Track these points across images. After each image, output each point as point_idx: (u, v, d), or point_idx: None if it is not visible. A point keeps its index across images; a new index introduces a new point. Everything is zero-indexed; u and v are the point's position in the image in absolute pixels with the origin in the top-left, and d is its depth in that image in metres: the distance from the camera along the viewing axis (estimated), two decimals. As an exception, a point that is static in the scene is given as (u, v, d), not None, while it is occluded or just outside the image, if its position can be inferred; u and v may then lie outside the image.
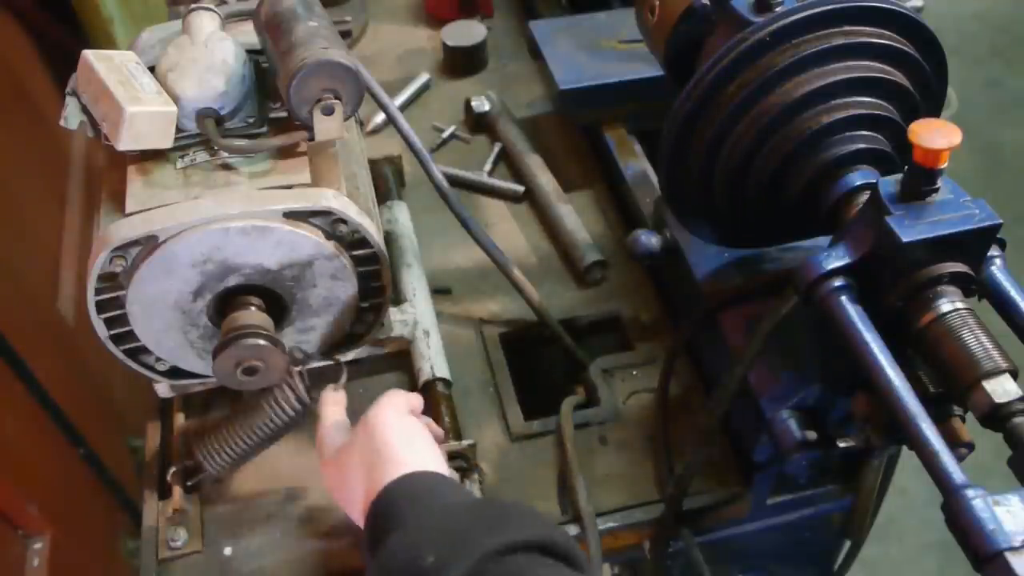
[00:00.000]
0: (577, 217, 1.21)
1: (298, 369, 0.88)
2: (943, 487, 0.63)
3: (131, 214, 0.80)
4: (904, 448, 0.75)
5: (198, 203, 0.80)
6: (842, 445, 0.82)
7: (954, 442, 0.75)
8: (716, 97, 0.81)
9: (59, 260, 1.63)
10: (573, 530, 0.91)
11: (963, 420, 0.76)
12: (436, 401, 0.99)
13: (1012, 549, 0.58)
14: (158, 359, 0.89)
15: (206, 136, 0.83)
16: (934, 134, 0.67)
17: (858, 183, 0.80)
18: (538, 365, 1.13)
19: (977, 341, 0.68)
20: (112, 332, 0.84)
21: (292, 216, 0.81)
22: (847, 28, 0.79)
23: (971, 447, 0.75)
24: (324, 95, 0.81)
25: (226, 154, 0.84)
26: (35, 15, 1.74)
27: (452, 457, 0.93)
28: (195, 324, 0.85)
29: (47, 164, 1.72)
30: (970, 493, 0.61)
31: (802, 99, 0.79)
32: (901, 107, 0.82)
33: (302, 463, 0.97)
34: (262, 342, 0.81)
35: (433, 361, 1.02)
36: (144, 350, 0.87)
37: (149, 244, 0.79)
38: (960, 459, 0.67)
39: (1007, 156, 2.97)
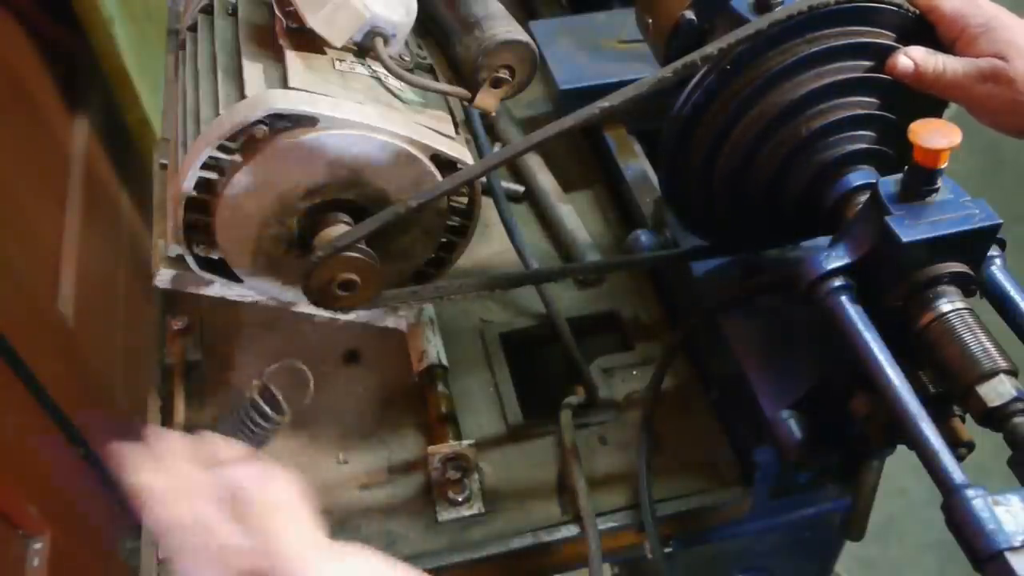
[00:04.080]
0: (577, 217, 1.21)
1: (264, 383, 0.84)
2: (943, 487, 0.63)
3: (293, 88, 0.80)
4: (904, 448, 0.75)
5: (363, 107, 0.81)
6: (842, 445, 0.82)
7: (954, 442, 0.75)
8: (716, 98, 0.81)
9: (59, 260, 1.63)
10: (573, 530, 0.92)
11: (963, 420, 0.76)
12: (435, 388, 1.00)
13: (1012, 549, 0.58)
14: (203, 242, 0.86)
15: (372, 54, 0.87)
16: (934, 134, 0.68)
17: (858, 183, 0.80)
18: (538, 365, 1.13)
19: (977, 341, 0.68)
20: (193, 194, 0.82)
21: (436, 160, 0.84)
22: (847, 28, 0.79)
23: (971, 447, 0.75)
24: (501, 71, 0.86)
25: (383, 75, 0.87)
26: (35, 15, 1.74)
27: (452, 458, 0.93)
28: (282, 223, 0.84)
29: (47, 164, 1.72)
30: (970, 493, 0.61)
31: (802, 99, 0.79)
32: (901, 107, 0.82)
33: (301, 463, 0.97)
34: (371, 261, 0.81)
35: (438, 347, 1.03)
36: (201, 225, 0.84)
37: (302, 124, 0.79)
38: (960, 459, 0.67)
39: (1007, 156, 2.97)
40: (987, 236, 0.71)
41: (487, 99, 0.89)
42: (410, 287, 0.93)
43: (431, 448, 0.94)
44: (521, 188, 1.27)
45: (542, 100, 1.41)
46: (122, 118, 2.01)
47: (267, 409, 0.82)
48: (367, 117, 0.81)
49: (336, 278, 0.81)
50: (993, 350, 0.67)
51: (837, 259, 0.73)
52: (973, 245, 0.71)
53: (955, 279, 0.70)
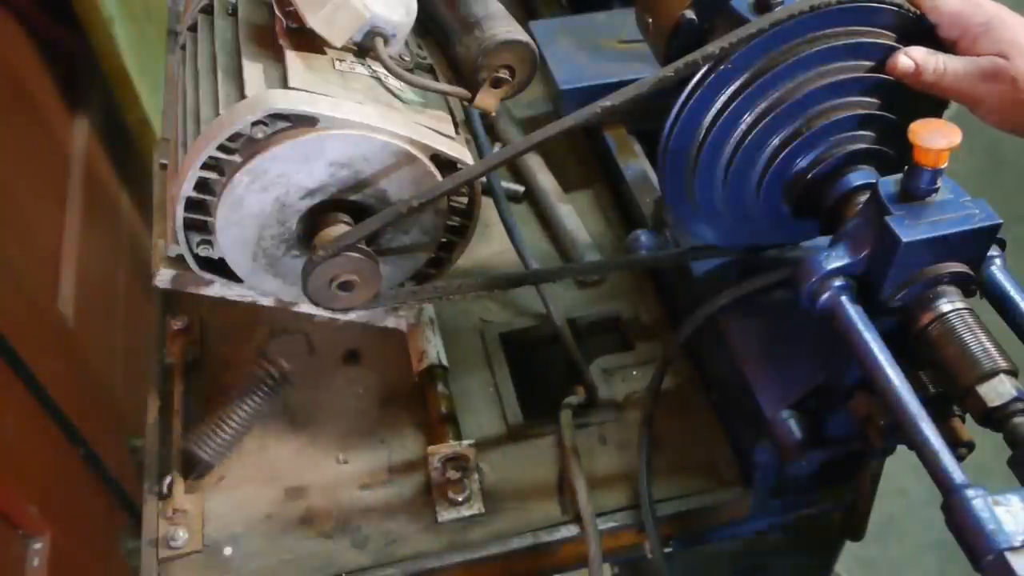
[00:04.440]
0: (577, 217, 1.21)
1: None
2: (943, 487, 0.63)
3: (293, 88, 0.80)
4: (904, 448, 0.75)
5: (363, 107, 0.81)
6: (842, 445, 0.82)
7: (954, 442, 0.75)
8: (715, 98, 0.81)
9: (59, 260, 1.63)
10: (573, 530, 0.92)
11: (963, 420, 0.76)
12: (435, 388, 1.00)
13: (1012, 549, 0.58)
14: (203, 242, 0.86)
15: (372, 54, 0.87)
16: (934, 134, 0.68)
17: (858, 183, 0.80)
18: (538, 365, 1.13)
19: (977, 341, 0.68)
20: (192, 195, 0.82)
21: (436, 160, 0.84)
22: (847, 28, 0.79)
23: (971, 447, 0.75)
24: (501, 71, 0.87)
25: (383, 75, 0.87)
26: (35, 15, 1.74)
27: (452, 458, 0.93)
28: (282, 223, 0.84)
29: (47, 164, 1.72)
30: (970, 493, 0.61)
31: (802, 99, 0.79)
32: (902, 107, 0.82)
33: (302, 463, 0.98)
34: (371, 261, 0.81)
35: (438, 347, 1.03)
36: (201, 225, 0.85)
37: (302, 124, 0.79)
38: (960, 459, 0.67)
39: (1007, 156, 2.97)
40: (987, 236, 0.71)
41: (487, 99, 0.89)
42: (410, 287, 0.93)
43: (431, 448, 0.94)
44: (521, 188, 1.27)
45: (542, 100, 1.41)
46: (122, 118, 2.01)
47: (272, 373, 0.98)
48: (367, 117, 0.81)
49: (336, 278, 0.81)
50: (993, 350, 0.67)
51: (837, 259, 0.73)
52: (973, 245, 0.71)
53: (955, 279, 0.70)
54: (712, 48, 0.76)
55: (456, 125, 0.92)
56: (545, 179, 1.26)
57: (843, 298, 0.72)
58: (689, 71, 0.78)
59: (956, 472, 0.63)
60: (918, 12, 0.81)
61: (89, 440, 1.55)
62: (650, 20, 0.93)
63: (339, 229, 0.82)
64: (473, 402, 1.03)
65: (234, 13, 0.92)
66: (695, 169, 0.85)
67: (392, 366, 1.06)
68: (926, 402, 0.67)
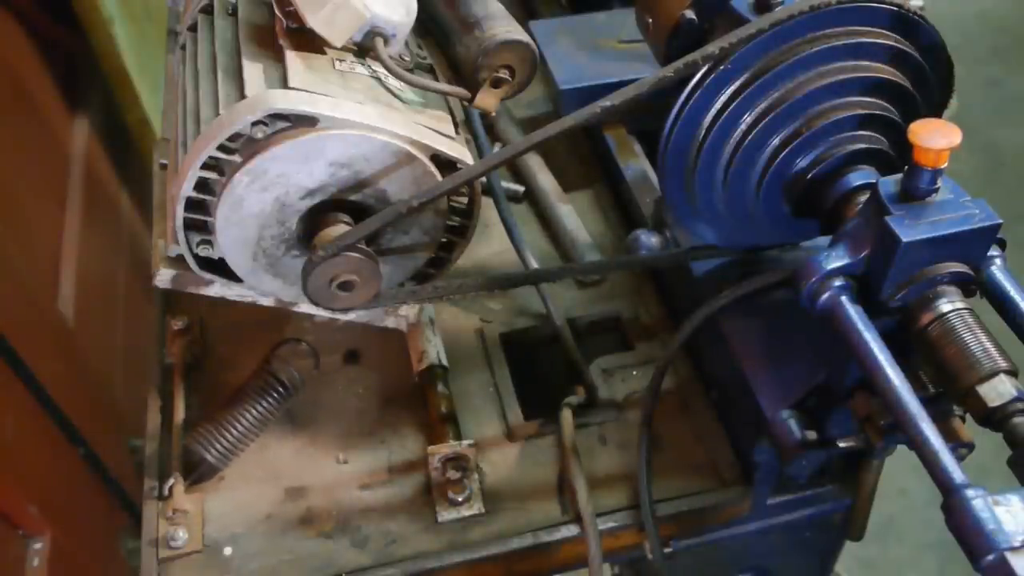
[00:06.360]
0: (577, 217, 1.21)
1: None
2: (943, 487, 0.63)
3: (293, 88, 0.80)
4: (904, 448, 0.75)
5: (363, 107, 0.81)
6: (842, 445, 0.82)
7: (954, 442, 0.75)
8: (715, 98, 0.81)
9: (59, 260, 1.63)
10: (573, 530, 0.92)
11: (963, 420, 0.76)
12: (435, 388, 1.00)
13: (1012, 549, 0.58)
14: (203, 242, 0.86)
15: (372, 54, 0.87)
16: (934, 134, 0.68)
17: (858, 183, 0.80)
18: (538, 365, 1.13)
19: (977, 341, 0.68)
20: (192, 195, 0.82)
21: (436, 160, 0.84)
22: (847, 28, 0.79)
23: (971, 447, 0.75)
24: (501, 71, 0.87)
25: (384, 75, 0.87)
26: (35, 15, 1.74)
27: (452, 458, 0.93)
28: (282, 223, 0.84)
29: (47, 164, 1.72)
30: (970, 493, 0.61)
31: (802, 99, 0.79)
32: (901, 107, 0.82)
33: (302, 463, 0.98)
34: (371, 261, 0.81)
35: (438, 347, 1.03)
36: (201, 225, 0.85)
37: (302, 124, 0.79)
38: (960, 459, 0.67)
39: (1007, 156, 2.98)
40: (987, 236, 0.71)
41: (487, 99, 0.89)
42: (410, 287, 0.93)
43: (431, 448, 0.94)
44: (521, 188, 1.27)
45: (542, 100, 1.41)
46: (122, 118, 2.01)
47: (284, 381, 0.97)
48: (367, 117, 0.81)
49: (336, 278, 0.81)
50: (993, 350, 0.67)
51: (837, 259, 0.73)
52: (973, 245, 0.71)
53: (955, 279, 0.70)
54: (712, 48, 0.76)
55: (456, 125, 0.92)
56: (545, 179, 1.26)
57: (843, 298, 0.72)
58: (689, 71, 0.78)
59: (956, 472, 0.63)
60: (917, 12, 0.81)
61: (89, 440, 1.55)
62: (650, 20, 0.93)
63: (339, 229, 0.82)
64: (473, 402, 1.03)
65: (234, 13, 0.92)
66: (695, 169, 0.85)
67: (392, 366, 1.06)
68: (926, 402, 0.67)
